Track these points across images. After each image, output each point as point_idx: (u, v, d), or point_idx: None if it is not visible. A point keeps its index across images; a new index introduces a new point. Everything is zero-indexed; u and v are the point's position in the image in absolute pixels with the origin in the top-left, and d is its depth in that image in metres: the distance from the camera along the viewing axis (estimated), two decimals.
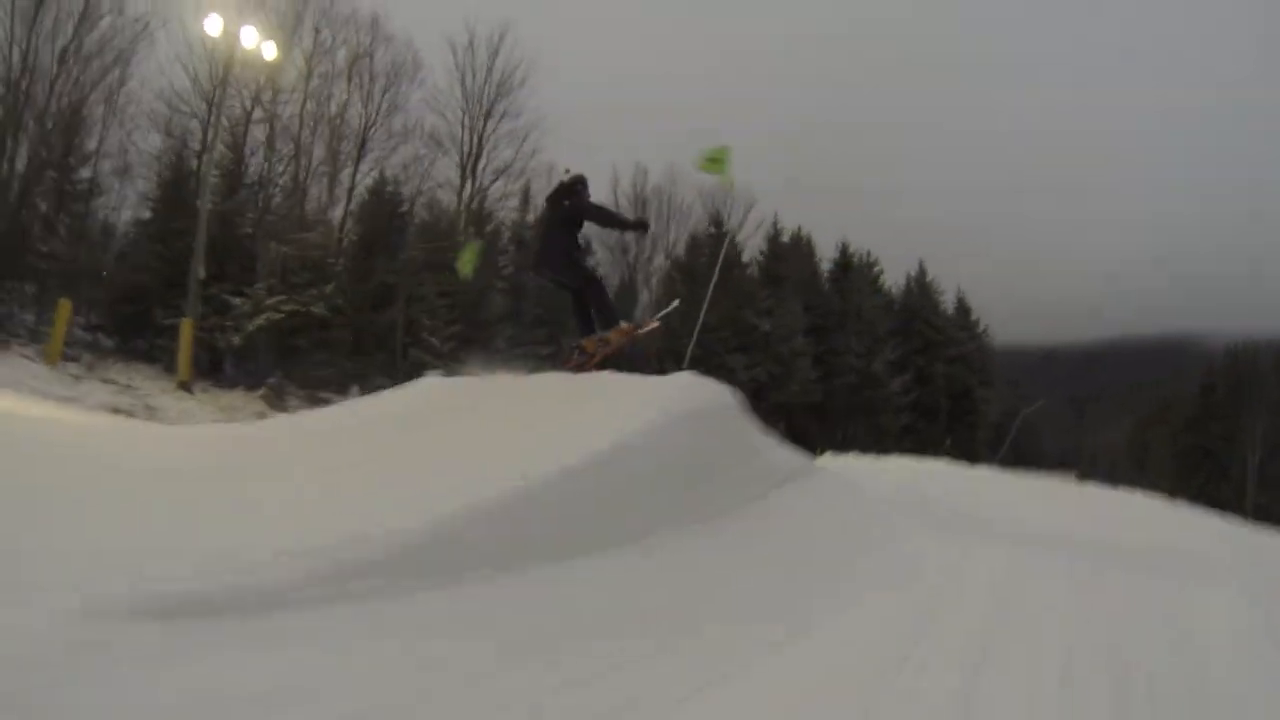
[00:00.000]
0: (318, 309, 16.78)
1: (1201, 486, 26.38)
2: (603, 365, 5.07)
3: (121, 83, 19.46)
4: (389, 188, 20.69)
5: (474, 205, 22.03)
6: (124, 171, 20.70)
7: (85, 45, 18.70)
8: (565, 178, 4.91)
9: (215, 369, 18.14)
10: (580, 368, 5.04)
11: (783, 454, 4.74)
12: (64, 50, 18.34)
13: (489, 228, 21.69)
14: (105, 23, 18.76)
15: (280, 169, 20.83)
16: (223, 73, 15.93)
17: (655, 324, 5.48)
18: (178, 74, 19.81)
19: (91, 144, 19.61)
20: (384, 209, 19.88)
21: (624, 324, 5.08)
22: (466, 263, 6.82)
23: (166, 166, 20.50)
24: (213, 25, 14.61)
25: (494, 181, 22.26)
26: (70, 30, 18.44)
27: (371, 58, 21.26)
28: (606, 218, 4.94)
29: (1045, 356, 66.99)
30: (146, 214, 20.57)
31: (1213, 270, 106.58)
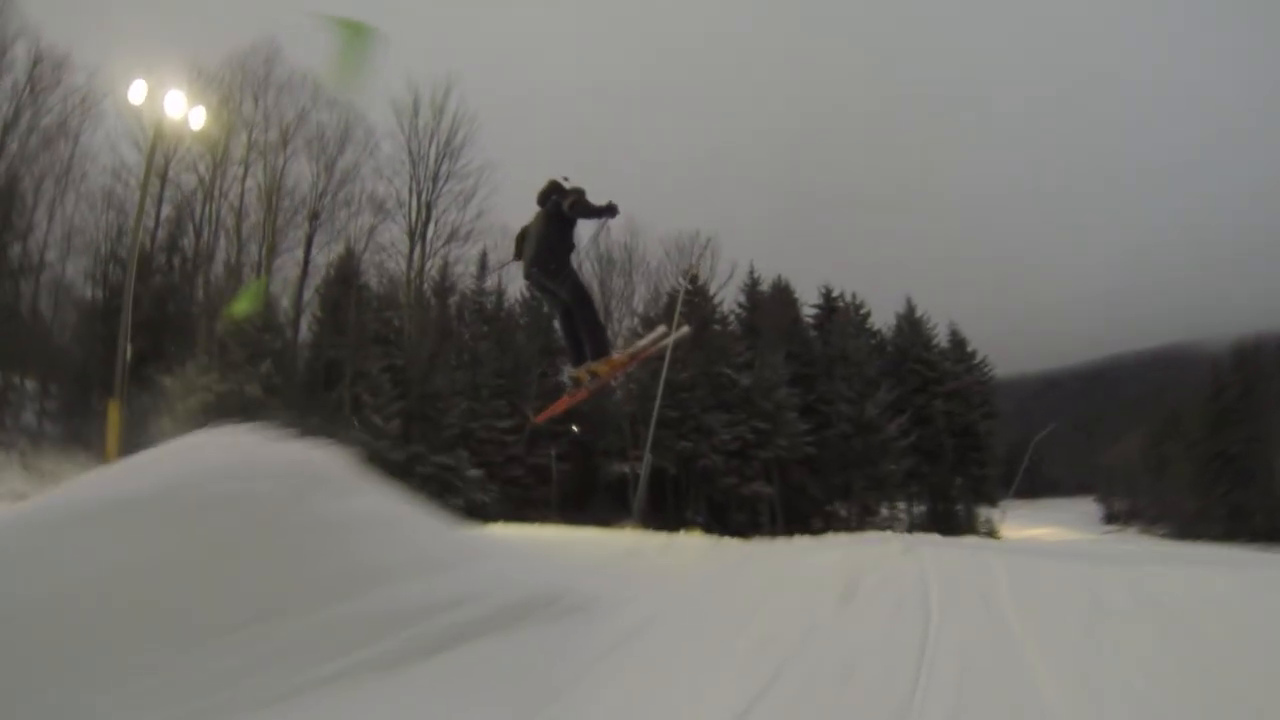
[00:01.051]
0: (253, 388, 15.41)
1: (1226, 494, 24.79)
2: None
3: (70, 158, 18.89)
4: (354, 261, 19.72)
5: (430, 273, 20.98)
6: (69, 248, 19.91)
7: (24, 120, 18.17)
8: (564, 183, 4.76)
9: None
10: (573, 397, 5.13)
11: (475, 571, 3.27)
12: (5, 124, 17.75)
13: (452, 299, 20.68)
14: (47, 97, 18.31)
15: (223, 243, 19.91)
16: (151, 142, 15.04)
17: (647, 345, 5.32)
18: (129, 150, 19.29)
19: (36, 218, 18.86)
20: (348, 281, 18.82)
21: (614, 355, 4.93)
22: (243, 303, 5.62)
23: (111, 242, 19.71)
24: (137, 92, 13.80)
25: (444, 245, 21.26)
26: (12, 106, 17.97)
27: (319, 127, 20.56)
28: (586, 210, 4.81)
29: (1047, 383, 65.76)
30: (90, 292, 19.70)
31: (1197, 280, 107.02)
